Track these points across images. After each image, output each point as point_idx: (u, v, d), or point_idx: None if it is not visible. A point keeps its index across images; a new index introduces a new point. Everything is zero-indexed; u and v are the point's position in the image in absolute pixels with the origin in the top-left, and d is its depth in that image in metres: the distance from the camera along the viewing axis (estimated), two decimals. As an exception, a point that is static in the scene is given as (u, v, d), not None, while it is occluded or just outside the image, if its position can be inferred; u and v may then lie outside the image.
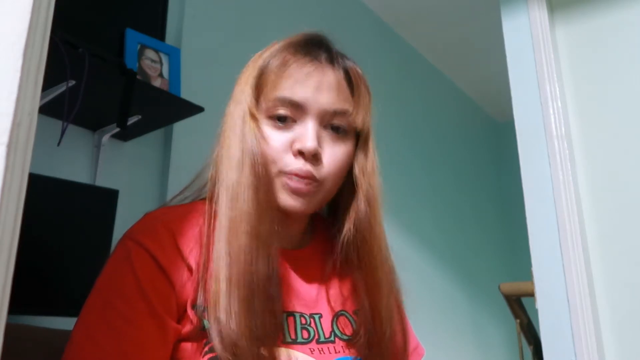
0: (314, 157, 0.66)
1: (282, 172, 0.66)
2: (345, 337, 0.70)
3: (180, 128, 1.63)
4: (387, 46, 2.89)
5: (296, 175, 0.66)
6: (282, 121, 0.67)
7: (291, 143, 0.66)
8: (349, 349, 0.69)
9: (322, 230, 0.79)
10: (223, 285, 0.60)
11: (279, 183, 0.67)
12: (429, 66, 3.30)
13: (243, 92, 0.68)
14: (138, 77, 1.32)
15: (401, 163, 2.69)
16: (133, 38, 1.39)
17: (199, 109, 1.45)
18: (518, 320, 2.04)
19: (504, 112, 3.85)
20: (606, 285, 1.24)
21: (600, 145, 1.32)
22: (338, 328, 0.71)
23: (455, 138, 3.42)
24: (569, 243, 1.25)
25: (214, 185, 0.69)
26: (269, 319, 0.62)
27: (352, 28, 2.60)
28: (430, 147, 3.07)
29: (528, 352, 2.06)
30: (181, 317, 0.62)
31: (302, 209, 0.68)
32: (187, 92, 1.55)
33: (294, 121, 0.67)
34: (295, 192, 0.66)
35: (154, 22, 1.51)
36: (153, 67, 1.42)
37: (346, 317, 0.72)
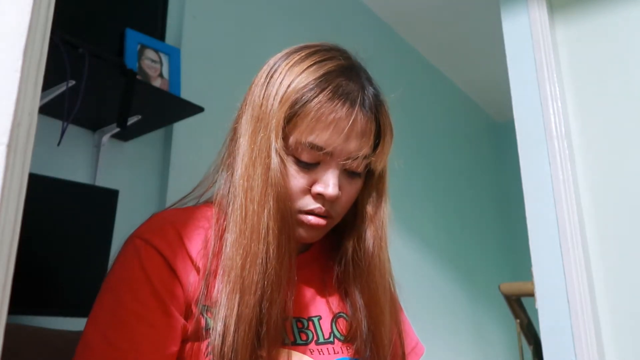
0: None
1: (300, 211, 0.67)
2: (343, 338, 0.71)
3: (180, 128, 1.63)
4: (387, 46, 2.89)
5: (313, 213, 0.67)
6: (307, 166, 0.67)
7: (311, 184, 0.67)
8: (348, 349, 0.70)
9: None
10: (233, 314, 0.60)
11: (296, 220, 0.67)
12: (429, 66, 3.29)
13: (272, 119, 0.65)
14: (138, 77, 1.32)
15: (400, 163, 2.69)
16: (133, 38, 1.39)
17: (199, 109, 1.45)
18: (518, 320, 2.04)
19: (504, 112, 3.85)
20: (606, 285, 1.24)
21: (600, 145, 1.32)
22: (337, 329, 0.71)
23: (455, 138, 3.42)
24: (569, 243, 1.25)
25: (221, 194, 0.69)
26: (272, 326, 0.62)
27: (352, 28, 2.60)
28: (430, 147, 3.07)
29: (528, 352, 2.06)
30: (187, 316, 0.63)
31: (314, 240, 0.71)
32: (187, 92, 1.55)
33: (317, 163, 0.67)
34: (313, 227, 0.68)
35: (154, 22, 1.51)
36: (153, 67, 1.42)
37: (345, 318, 0.73)
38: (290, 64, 0.68)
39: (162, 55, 1.45)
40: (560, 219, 1.27)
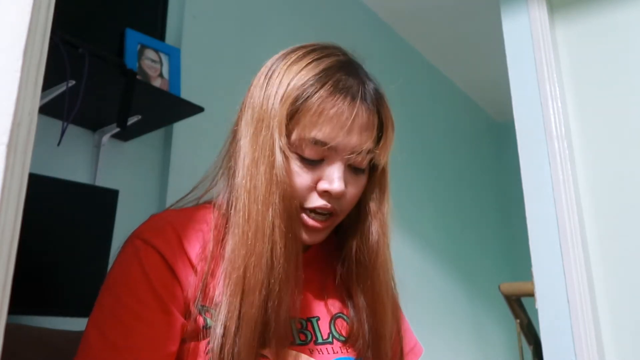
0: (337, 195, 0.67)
1: (303, 208, 0.67)
2: (342, 338, 0.71)
3: (180, 128, 1.63)
4: (387, 46, 2.89)
5: (317, 209, 0.67)
6: (311, 162, 0.66)
7: (316, 181, 0.67)
8: (347, 349, 0.70)
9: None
10: (234, 317, 0.60)
11: (299, 218, 0.67)
12: (428, 66, 3.29)
13: (274, 117, 0.65)
14: (138, 77, 1.32)
15: (401, 163, 2.68)
16: (133, 38, 1.39)
17: (199, 109, 1.45)
18: (518, 320, 2.04)
19: (504, 112, 3.85)
20: (606, 285, 1.24)
21: (600, 145, 1.32)
22: (336, 329, 0.71)
23: (455, 138, 3.42)
24: (569, 243, 1.25)
25: (222, 198, 0.69)
26: (281, 325, 0.62)
27: (352, 28, 2.60)
28: (430, 147, 3.07)
29: (528, 352, 2.06)
30: (187, 315, 0.63)
31: (316, 242, 0.70)
32: (187, 92, 1.55)
33: (321, 160, 0.67)
34: (312, 229, 0.68)
35: (154, 22, 1.51)
36: (153, 67, 1.42)
37: (343, 319, 0.73)
38: (288, 63, 0.69)
39: (162, 55, 1.45)
40: (560, 219, 1.27)
